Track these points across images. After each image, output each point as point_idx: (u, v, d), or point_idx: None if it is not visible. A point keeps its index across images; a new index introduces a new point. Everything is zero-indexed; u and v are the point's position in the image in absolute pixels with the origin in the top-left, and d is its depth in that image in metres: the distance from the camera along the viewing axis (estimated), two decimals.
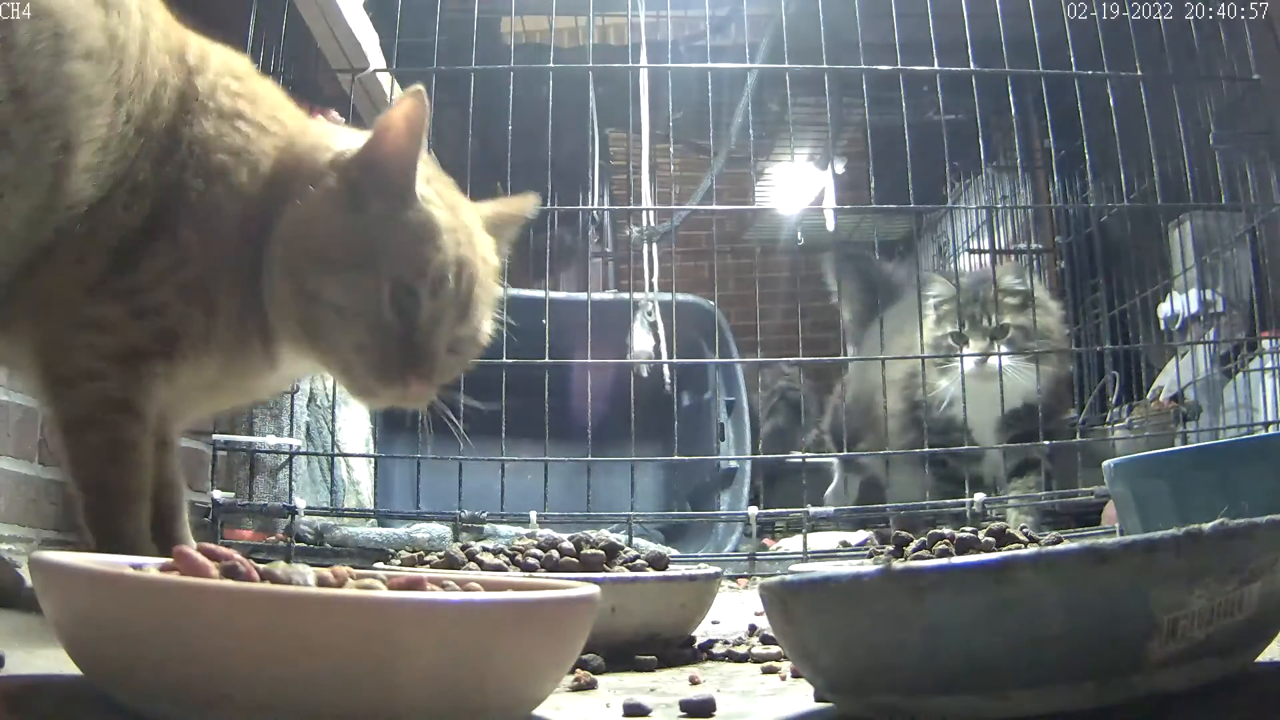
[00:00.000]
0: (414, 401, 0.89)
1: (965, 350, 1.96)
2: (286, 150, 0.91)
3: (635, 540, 1.53)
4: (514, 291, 1.80)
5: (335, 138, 0.94)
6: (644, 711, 0.59)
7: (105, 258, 0.83)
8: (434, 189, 0.89)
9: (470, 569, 0.84)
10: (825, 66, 1.81)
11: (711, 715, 0.59)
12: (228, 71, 0.90)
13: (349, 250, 0.85)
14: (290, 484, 1.69)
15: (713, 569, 0.91)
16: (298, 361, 0.95)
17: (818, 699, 0.61)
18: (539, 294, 1.75)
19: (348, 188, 0.86)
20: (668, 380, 1.98)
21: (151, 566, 0.56)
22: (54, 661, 0.62)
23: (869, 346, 2.20)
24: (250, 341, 0.90)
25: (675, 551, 1.72)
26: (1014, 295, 2.00)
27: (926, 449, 1.83)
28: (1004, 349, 1.94)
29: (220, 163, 0.87)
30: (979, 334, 1.99)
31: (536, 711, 0.56)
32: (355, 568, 0.61)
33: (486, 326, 0.93)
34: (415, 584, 0.56)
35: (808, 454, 2.38)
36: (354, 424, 1.99)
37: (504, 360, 1.50)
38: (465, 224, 0.90)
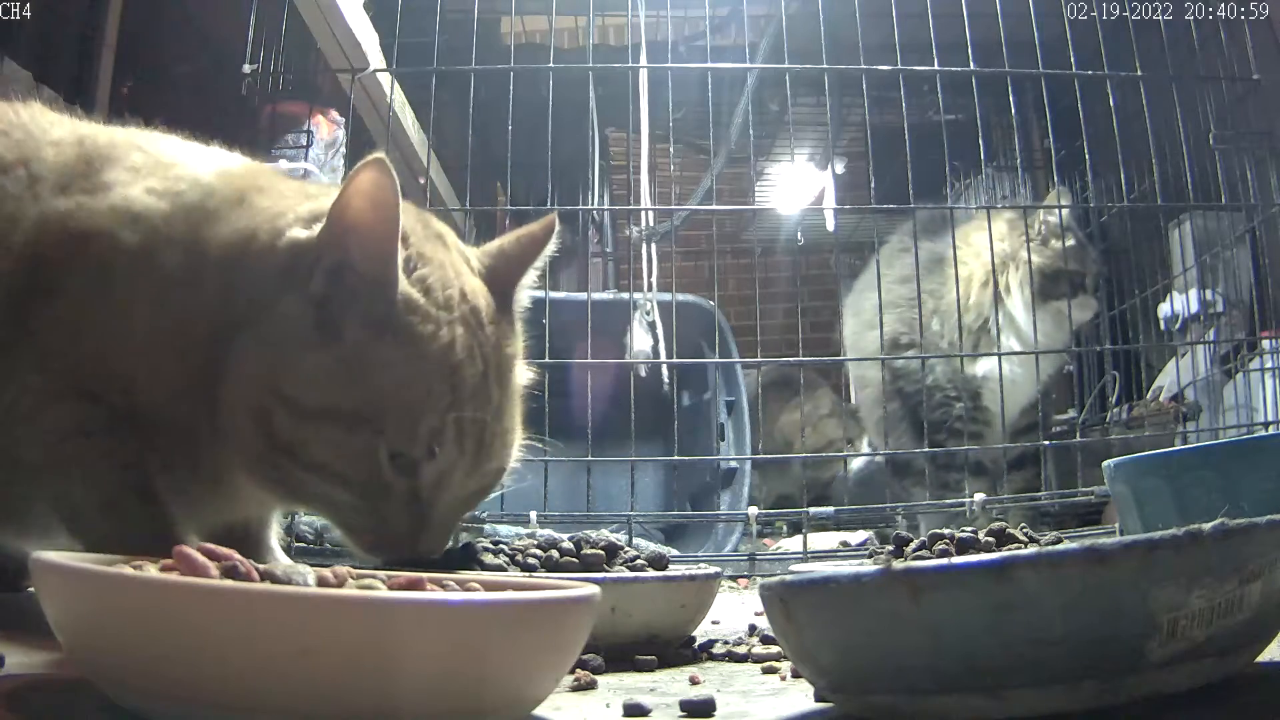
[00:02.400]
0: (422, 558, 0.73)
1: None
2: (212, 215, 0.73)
3: (635, 540, 1.53)
4: None
5: (288, 198, 0.75)
6: (644, 711, 0.59)
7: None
8: (421, 275, 0.70)
9: (470, 569, 0.84)
10: (825, 66, 1.80)
11: (711, 715, 0.59)
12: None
13: (330, 398, 0.67)
14: None
15: (713, 569, 0.91)
16: (266, 501, 0.80)
17: (818, 699, 0.61)
18: (539, 294, 1.74)
19: (315, 309, 0.68)
20: (667, 380, 1.98)
21: (151, 566, 0.56)
22: (54, 662, 0.62)
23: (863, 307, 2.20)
24: (200, 461, 0.74)
25: (675, 551, 1.72)
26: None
27: (927, 448, 1.83)
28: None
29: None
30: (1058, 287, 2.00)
31: (536, 711, 0.56)
32: (355, 568, 0.61)
33: (513, 448, 0.77)
34: (415, 584, 0.56)
35: (808, 454, 2.38)
36: None
37: None
38: (470, 310, 0.72)
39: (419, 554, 0.71)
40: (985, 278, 2.01)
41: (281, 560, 0.83)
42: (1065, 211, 2.03)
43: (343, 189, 0.67)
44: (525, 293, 0.82)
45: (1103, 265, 2.13)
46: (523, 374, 0.80)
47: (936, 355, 1.99)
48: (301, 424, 0.67)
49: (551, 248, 0.82)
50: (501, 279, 0.78)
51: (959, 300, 1.93)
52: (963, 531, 0.82)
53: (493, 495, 0.82)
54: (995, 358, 1.97)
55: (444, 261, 0.73)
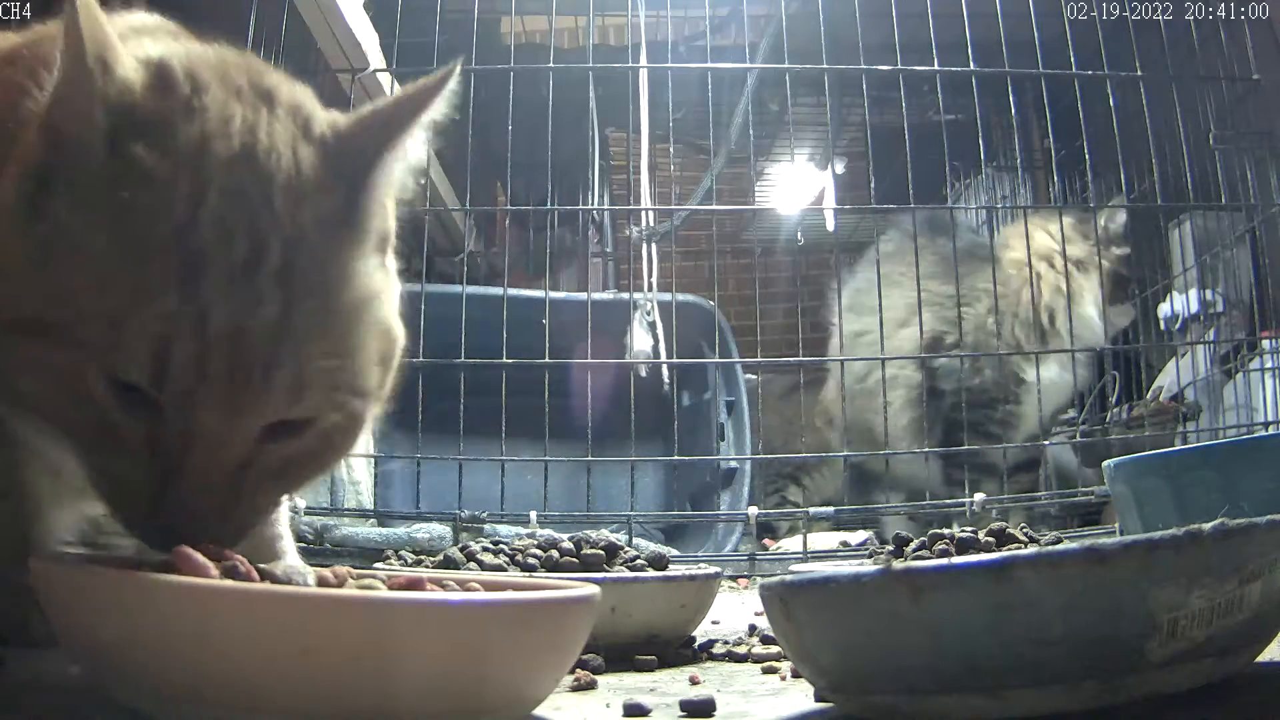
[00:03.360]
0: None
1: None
2: None
3: (635, 540, 1.53)
4: (513, 291, 1.81)
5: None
6: (644, 711, 0.59)
7: None
8: (165, 131, 0.51)
9: (470, 569, 0.84)
10: (825, 66, 1.80)
11: (711, 715, 0.59)
12: None
13: (21, 298, 0.51)
14: None
15: (713, 569, 0.91)
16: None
17: (818, 699, 0.61)
18: (539, 294, 1.75)
19: (34, 185, 0.52)
20: (667, 380, 1.98)
21: (150, 566, 0.56)
22: (54, 661, 0.62)
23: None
24: None
25: (675, 551, 1.71)
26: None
27: (940, 447, 1.83)
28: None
29: None
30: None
31: (536, 711, 0.56)
32: (355, 568, 0.61)
33: (337, 390, 0.53)
34: (415, 584, 0.56)
35: (808, 454, 2.38)
36: None
37: (504, 360, 1.51)
38: (252, 176, 0.52)
39: (172, 531, 0.51)
40: (1056, 279, 2.03)
41: (287, 560, 0.76)
42: (1121, 216, 2.06)
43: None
44: (400, 168, 0.58)
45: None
46: (375, 286, 0.57)
47: (934, 355, 1.99)
48: (3, 340, 0.52)
49: (443, 106, 0.59)
50: (355, 147, 0.56)
51: (1033, 298, 1.96)
52: (963, 531, 0.82)
53: (335, 460, 0.58)
54: (1053, 361, 1.99)
55: (232, 116, 0.54)
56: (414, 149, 0.59)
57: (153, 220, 0.50)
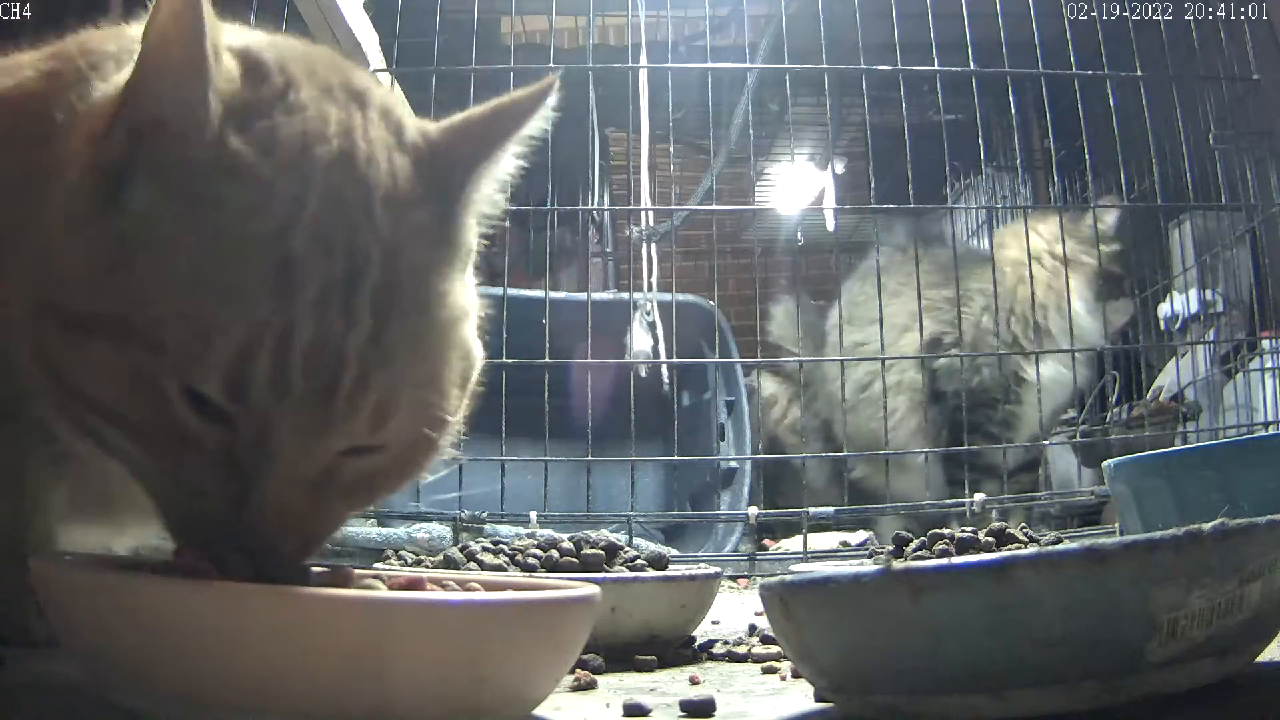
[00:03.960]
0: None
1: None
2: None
3: (635, 540, 1.53)
4: (513, 291, 1.81)
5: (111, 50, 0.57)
6: (644, 711, 0.59)
7: None
8: (266, 126, 0.49)
9: (470, 569, 0.84)
10: (825, 66, 1.80)
11: (711, 715, 0.59)
12: None
13: (93, 294, 0.48)
14: None
15: (713, 569, 0.91)
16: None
17: (818, 699, 0.61)
18: (539, 294, 1.75)
19: (106, 178, 0.49)
20: (667, 380, 1.98)
21: (150, 567, 0.56)
22: (54, 662, 0.62)
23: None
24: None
25: (675, 551, 1.71)
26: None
27: (945, 446, 1.83)
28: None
29: None
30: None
31: (536, 711, 0.56)
32: (355, 568, 0.61)
33: (425, 410, 0.51)
34: (415, 584, 0.56)
35: (808, 454, 2.38)
36: None
37: (504, 360, 1.50)
38: (347, 181, 0.49)
39: (243, 543, 0.48)
40: (1048, 278, 2.03)
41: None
42: (1111, 215, 2.07)
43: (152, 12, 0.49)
44: (490, 184, 0.56)
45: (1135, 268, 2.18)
46: (462, 305, 0.54)
47: (935, 355, 1.99)
48: (67, 337, 0.48)
49: (540, 122, 0.57)
50: (448, 160, 0.54)
51: (1032, 298, 1.96)
52: (963, 531, 0.82)
53: (431, 480, 0.57)
54: (1051, 360, 1.99)
55: (329, 117, 0.51)
56: (506, 165, 0.56)
57: (249, 220, 0.47)
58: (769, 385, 2.39)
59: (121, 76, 0.52)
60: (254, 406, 0.47)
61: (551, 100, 0.56)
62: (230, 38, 0.52)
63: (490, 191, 0.56)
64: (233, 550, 0.48)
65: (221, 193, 0.47)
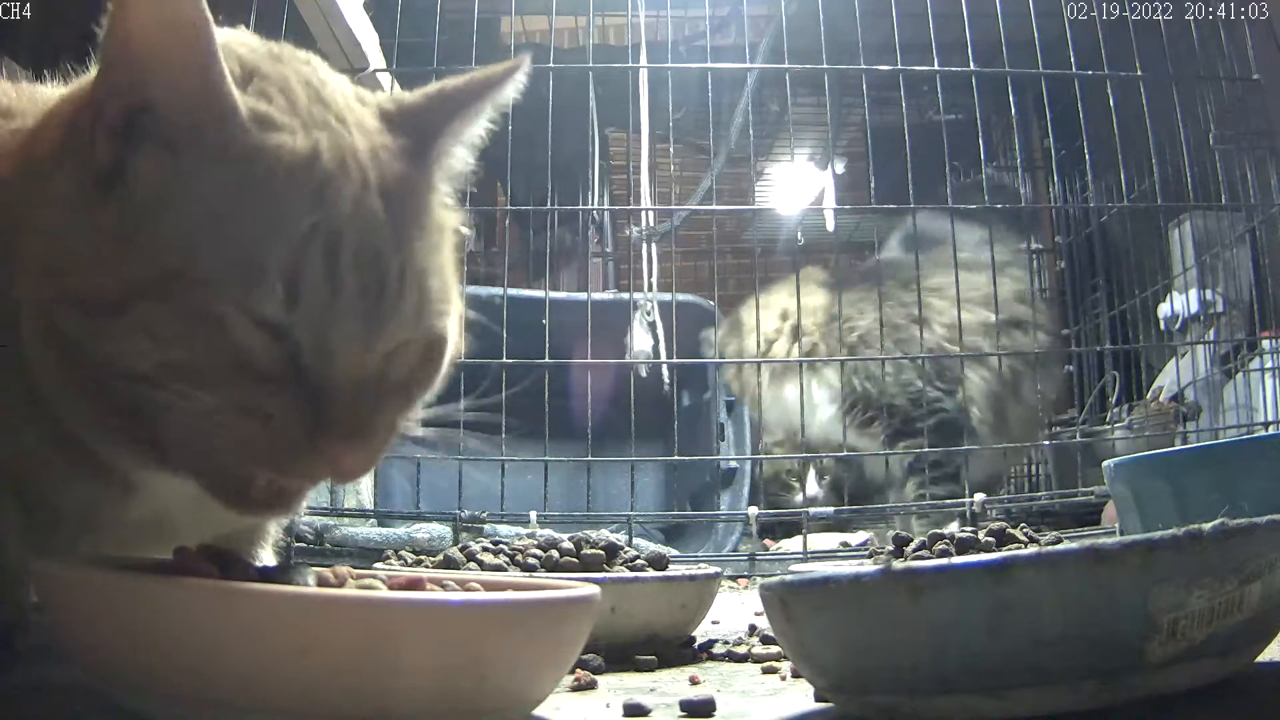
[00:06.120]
0: (346, 477, 0.53)
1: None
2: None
3: (635, 540, 1.53)
4: (514, 291, 1.81)
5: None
6: (644, 711, 0.59)
7: None
8: (260, 88, 0.54)
9: (470, 569, 0.84)
10: (825, 66, 1.80)
11: (711, 715, 0.59)
12: None
13: (121, 265, 0.50)
14: None
15: (713, 569, 0.91)
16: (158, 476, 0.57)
17: (818, 699, 0.61)
18: (539, 294, 1.75)
19: (96, 174, 0.51)
20: (667, 380, 1.98)
21: (150, 566, 0.56)
22: (54, 662, 0.62)
23: None
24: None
25: (675, 551, 1.72)
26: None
27: (927, 448, 1.83)
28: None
29: None
30: None
31: (536, 711, 0.56)
32: (355, 568, 0.61)
33: (441, 304, 0.56)
34: (415, 584, 0.56)
35: (808, 454, 2.38)
36: None
37: (504, 360, 1.50)
38: (339, 123, 0.54)
39: (331, 461, 0.51)
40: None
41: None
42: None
43: (109, 22, 0.51)
44: (461, 149, 0.62)
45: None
46: (443, 219, 0.59)
47: (938, 355, 1.99)
48: (94, 321, 0.50)
49: (511, 92, 0.62)
50: (416, 124, 0.58)
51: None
52: (963, 531, 0.82)
53: (438, 378, 0.58)
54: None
55: (307, 79, 0.57)
56: (471, 135, 0.62)
57: (277, 153, 0.51)
58: None
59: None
60: (311, 311, 0.50)
61: (521, 75, 0.61)
62: None
63: (460, 156, 0.63)
64: (304, 478, 0.53)
65: (245, 135, 0.51)
